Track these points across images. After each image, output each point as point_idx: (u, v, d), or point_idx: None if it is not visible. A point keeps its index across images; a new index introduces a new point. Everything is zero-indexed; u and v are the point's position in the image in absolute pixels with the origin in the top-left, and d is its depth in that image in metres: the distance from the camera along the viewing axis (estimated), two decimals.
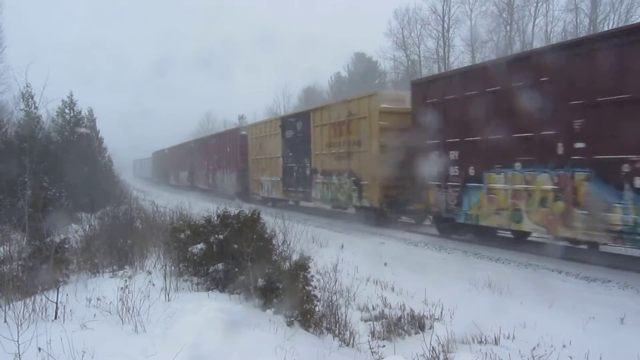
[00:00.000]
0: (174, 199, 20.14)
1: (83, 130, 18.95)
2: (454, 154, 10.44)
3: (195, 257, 6.20)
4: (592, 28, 29.37)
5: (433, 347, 4.45)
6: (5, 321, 4.43)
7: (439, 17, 36.43)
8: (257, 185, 21.40)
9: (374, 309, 6.04)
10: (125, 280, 4.96)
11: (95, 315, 4.60)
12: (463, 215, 10.23)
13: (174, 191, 33.08)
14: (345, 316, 5.39)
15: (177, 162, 38.50)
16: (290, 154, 18.07)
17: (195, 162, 32.19)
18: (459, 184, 10.27)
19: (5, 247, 6.63)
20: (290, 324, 5.05)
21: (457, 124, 10.25)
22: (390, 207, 13.12)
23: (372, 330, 5.33)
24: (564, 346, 4.64)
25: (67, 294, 5.10)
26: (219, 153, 26.53)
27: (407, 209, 13.03)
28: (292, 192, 18.34)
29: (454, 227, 11.02)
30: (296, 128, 17.55)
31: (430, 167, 10.81)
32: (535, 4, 32.79)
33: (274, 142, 19.35)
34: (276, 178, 19.31)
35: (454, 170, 10.44)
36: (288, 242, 6.36)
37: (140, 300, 4.74)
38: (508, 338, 4.95)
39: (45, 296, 4.85)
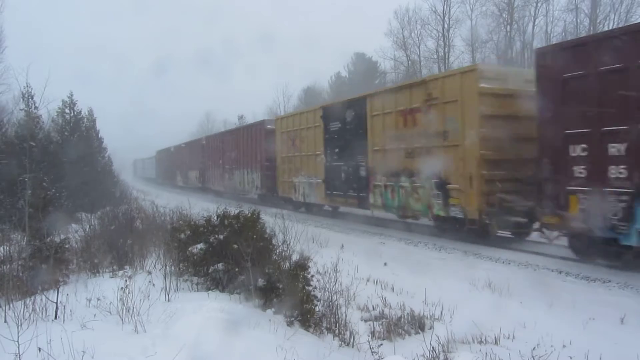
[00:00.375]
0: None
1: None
2: (617, 148, 7.41)
3: (195, 257, 6.20)
4: (592, 28, 29.37)
5: (433, 347, 4.45)
6: (5, 321, 4.43)
7: (439, 17, 36.49)
8: (289, 187, 18.10)
9: (374, 309, 6.04)
10: (125, 280, 4.96)
11: (95, 315, 4.60)
12: (636, 236, 7.17)
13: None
14: (345, 316, 5.39)
15: (185, 161, 35.16)
16: (336, 150, 14.90)
17: (208, 160, 29.04)
18: (630, 191, 7.23)
19: (5, 247, 6.63)
20: (290, 323, 5.05)
21: (624, 105, 7.28)
22: (493, 218, 9.97)
23: (372, 330, 5.33)
24: (564, 346, 4.64)
25: (67, 294, 5.10)
26: (238, 150, 23.31)
27: (514, 220, 9.83)
28: (338, 197, 15.03)
29: (610, 250, 7.86)
30: (345, 119, 14.36)
31: (570, 166, 8.03)
32: (535, 4, 32.78)
33: (313, 136, 16.13)
34: (316, 179, 16.10)
35: (617, 171, 7.43)
36: (288, 242, 6.36)
37: (140, 300, 4.74)
38: (508, 338, 4.96)
39: (45, 296, 4.85)
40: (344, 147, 14.44)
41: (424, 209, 11.46)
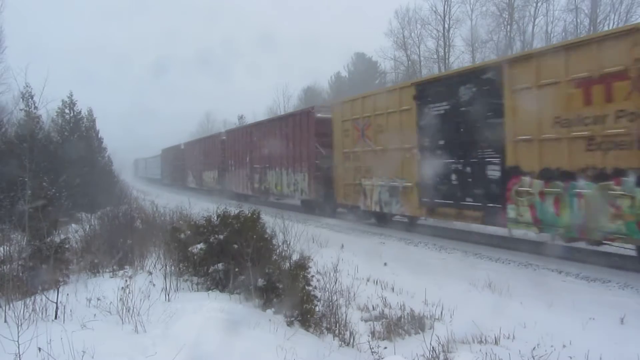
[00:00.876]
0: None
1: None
2: None
3: (195, 257, 6.20)
4: (592, 28, 29.38)
5: (433, 347, 4.45)
6: (5, 321, 4.43)
7: (439, 17, 36.50)
8: (355, 192, 14.05)
9: (374, 309, 6.04)
10: (126, 280, 4.96)
11: (95, 315, 4.60)
12: None
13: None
14: (345, 316, 5.39)
15: (199, 160, 30.96)
16: (441, 142, 10.80)
17: (229, 158, 25.01)
18: None
19: (5, 247, 6.63)
20: (290, 323, 5.05)
21: None
22: None
23: (372, 330, 5.33)
24: (564, 346, 4.64)
25: (67, 294, 5.09)
26: (274, 145, 18.96)
27: None
28: (444, 207, 10.91)
29: None
30: (457, 97, 10.28)
31: None
32: (535, 4, 32.83)
33: (398, 123, 12.06)
34: (402, 182, 12.02)
35: None
36: (288, 242, 6.36)
37: (141, 300, 4.74)
38: (508, 338, 4.96)
39: (46, 296, 4.85)
40: (456, 137, 10.35)
41: (629, 231, 7.25)
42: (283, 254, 6.12)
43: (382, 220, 13.69)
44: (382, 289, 7.01)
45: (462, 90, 10.22)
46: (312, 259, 6.08)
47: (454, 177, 10.49)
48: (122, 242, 7.82)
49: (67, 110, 18.70)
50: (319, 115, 16.42)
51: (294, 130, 17.79)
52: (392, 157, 12.30)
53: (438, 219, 11.76)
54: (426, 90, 11.44)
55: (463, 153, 10.26)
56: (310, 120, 16.68)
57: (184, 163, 35.72)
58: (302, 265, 5.59)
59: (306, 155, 16.84)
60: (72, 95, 18.79)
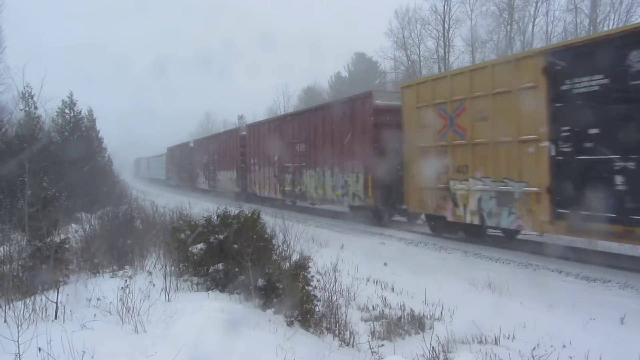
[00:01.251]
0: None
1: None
2: None
3: (195, 257, 6.20)
4: (592, 28, 29.38)
5: (433, 347, 4.45)
6: (5, 321, 4.43)
7: (439, 17, 36.50)
8: (440, 198, 10.94)
9: (374, 309, 6.04)
10: (126, 280, 4.96)
11: (95, 315, 4.60)
12: None
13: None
14: (345, 316, 5.40)
15: (212, 159, 28.22)
16: (594, 130, 7.64)
17: (251, 157, 22.05)
18: None
19: (5, 247, 6.62)
20: (290, 324, 5.06)
21: None
22: None
23: (372, 330, 5.34)
24: (564, 346, 4.65)
25: (67, 294, 5.10)
26: (313, 141, 16.30)
27: None
28: (596, 222, 7.57)
29: None
30: (625, 66, 7.18)
31: None
32: (535, 4, 32.83)
33: (515, 107, 8.98)
34: (521, 186, 8.94)
35: None
36: (288, 242, 6.36)
37: (141, 300, 4.75)
38: (508, 338, 4.96)
39: (45, 296, 4.85)
40: (623, 123, 7.26)
41: None
42: (283, 254, 6.12)
43: (476, 235, 10.71)
44: (382, 289, 7.01)
45: (635, 56, 7.12)
46: (312, 259, 6.08)
47: (618, 180, 7.35)
48: (122, 242, 7.81)
49: (67, 110, 18.67)
50: (377, 102, 13.40)
51: (342, 121, 14.61)
52: (502, 152, 9.36)
53: (586, 238, 8.59)
54: (565, 60, 8.22)
55: (637, 146, 7.15)
56: (366, 109, 13.51)
57: (193, 162, 32.89)
58: (302, 265, 5.59)
59: (361, 151, 13.61)
60: (72, 95, 18.78)
